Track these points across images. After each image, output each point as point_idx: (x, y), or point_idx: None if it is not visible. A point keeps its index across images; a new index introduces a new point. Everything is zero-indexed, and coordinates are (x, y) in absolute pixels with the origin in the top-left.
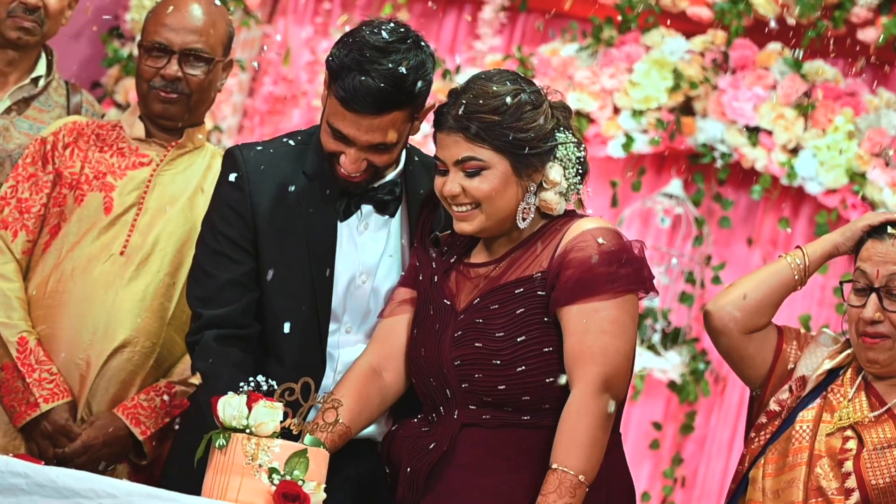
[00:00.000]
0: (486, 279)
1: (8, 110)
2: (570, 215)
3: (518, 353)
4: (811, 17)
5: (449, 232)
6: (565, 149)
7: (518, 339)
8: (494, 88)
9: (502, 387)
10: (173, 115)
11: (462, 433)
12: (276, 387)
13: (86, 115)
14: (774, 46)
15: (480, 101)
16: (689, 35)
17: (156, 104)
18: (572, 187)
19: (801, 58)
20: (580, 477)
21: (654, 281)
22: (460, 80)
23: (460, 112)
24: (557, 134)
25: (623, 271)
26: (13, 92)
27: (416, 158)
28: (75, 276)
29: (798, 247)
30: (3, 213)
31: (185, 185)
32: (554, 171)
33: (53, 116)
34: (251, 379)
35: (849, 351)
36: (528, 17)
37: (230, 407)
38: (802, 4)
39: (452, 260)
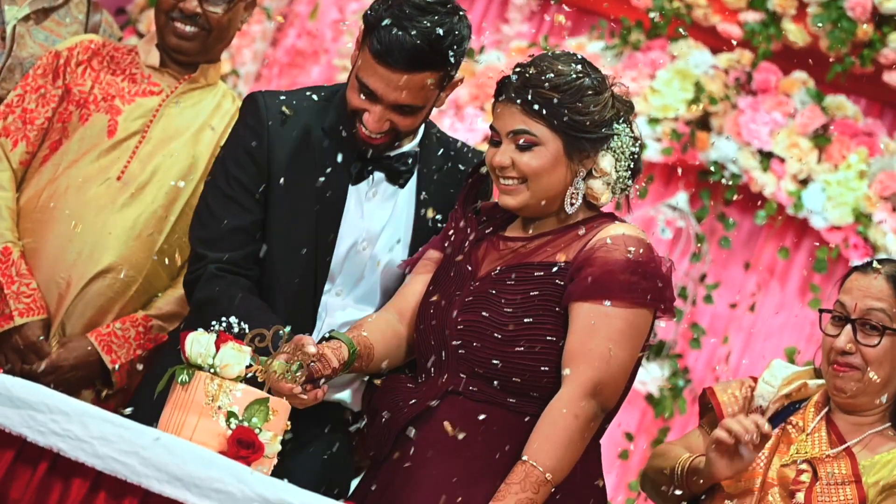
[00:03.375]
0: (512, 253)
1: (26, 18)
2: (610, 217)
3: (521, 333)
4: (840, 51)
5: (493, 203)
6: (621, 140)
7: (524, 320)
8: (560, 67)
9: (496, 361)
10: (188, 50)
11: (446, 399)
12: (247, 330)
13: (103, 36)
14: (799, 75)
15: (543, 77)
16: (716, 50)
17: (172, 37)
18: (621, 181)
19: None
20: (547, 475)
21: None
22: (483, 60)
23: (522, 85)
24: (615, 125)
25: (644, 284)
26: (33, 0)
27: (434, 133)
28: (69, 194)
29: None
30: (7, 121)
31: (192, 119)
32: (605, 161)
33: (70, 31)
34: (224, 319)
35: (806, 381)
36: (558, 9)
37: (198, 343)
38: (833, 38)
39: (488, 231)
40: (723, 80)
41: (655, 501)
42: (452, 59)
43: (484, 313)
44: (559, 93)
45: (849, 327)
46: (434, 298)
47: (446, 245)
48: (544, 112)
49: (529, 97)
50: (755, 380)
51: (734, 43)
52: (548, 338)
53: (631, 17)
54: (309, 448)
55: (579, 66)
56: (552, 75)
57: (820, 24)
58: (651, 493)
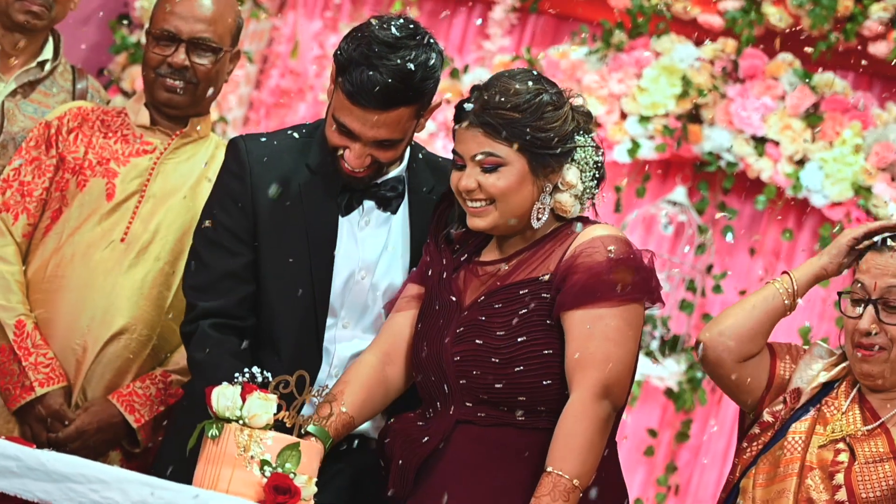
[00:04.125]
0: (493, 277)
1: (13, 93)
2: (582, 221)
3: (517, 353)
4: (822, 29)
5: (463, 230)
6: (584, 152)
7: (518, 340)
8: (516, 86)
9: (499, 385)
10: (178, 103)
11: (456, 430)
12: (271, 379)
13: (91, 101)
14: (785, 57)
15: (502, 98)
16: (699, 42)
17: (161, 92)
18: (588, 191)
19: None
20: (574, 481)
21: (662, 292)
22: (468, 79)
23: (481, 108)
24: (577, 137)
25: (630, 279)
26: (19, 75)
27: (421, 156)
28: (75, 261)
29: (785, 272)
30: (5, 196)
31: (188, 174)
32: (571, 173)
33: (58, 101)
34: (246, 370)
35: (844, 364)
36: (538, 19)
37: (224, 397)
38: (814, 16)
39: (463, 258)
40: (709, 71)
41: (720, 358)
42: (427, 90)
43: (478, 341)
44: (519, 112)
45: (870, 308)
46: (424, 334)
47: (425, 278)
48: (506, 133)
49: (490, 120)
50: (806, 347)
51: (717, 33)
52: (544, 352)
53: (611, 19)
54: (336, 482)
55: (536, 83)
56: (510, 95)
57: (800, 4)
58: (734, 337)
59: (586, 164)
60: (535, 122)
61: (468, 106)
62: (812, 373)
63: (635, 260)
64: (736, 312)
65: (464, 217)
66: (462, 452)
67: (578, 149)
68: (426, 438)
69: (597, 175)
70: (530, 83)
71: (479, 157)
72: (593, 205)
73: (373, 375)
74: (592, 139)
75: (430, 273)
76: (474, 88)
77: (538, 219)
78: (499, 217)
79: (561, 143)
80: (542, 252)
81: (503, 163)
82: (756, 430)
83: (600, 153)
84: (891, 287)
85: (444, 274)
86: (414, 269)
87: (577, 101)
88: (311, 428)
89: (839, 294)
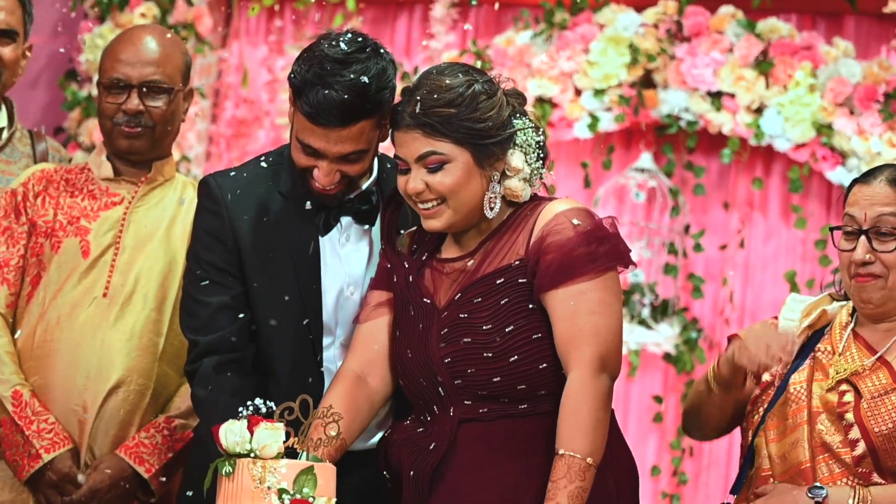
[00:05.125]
0: (463, 273)
1: None
2: (537, 199)
3: (508, 344)
4: None
5: (415, 229)
6: (524, 134)
7: (507, 330)
8: (447, 81)
9: (497, 379)
10: (139, 149)
11: (460, 430)
12: (274, 407)
13: (53, 162)
14: (727, 9)
15: (435, 96)
16: (640, 8)
17: (121, 140)
18: (535, 172)
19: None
20: (588, 459)
21: (632, 254)
22: None
23: (416, 109)
24: (514, 120)
25: (602, 249)
26: None
27: (389, 165)
28: (61, 323)
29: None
30: None
31: (160, 219)
32: (515, 158)
33: (21, 167)
34: (249, 403)
35: (825, 309)
36: (479, 11)
37: (232, 433)
38: None
39: (424, 257)
40: (654, 35)
41: (701, 434)
42: (384, 99)
43: (465, 339)
44: (454, 107)
45: (863, 238)
46: (406, 341)
47: (391, 284)
48: (445, 129)
49: (427, 119)
50: (776, 318)
51: None
52: (534, 336)
53: None
54: (349, 497)
55: (466, 75)
56: (443, 91)
57: None
58: (695, 428)
59: (528, 146)
60: (471, 114)
61: (403, 108)
62: (793, 323)
63: (601, 229)
64: (688, 413)
65: (418, 217)
66: (470, 451)
67: (518, 132)
68: (433, 445)
69: (541, 155)
70: (460, 75)
71: (422, 158)
72: (543, 184)
73: (355, 392)
74: (530, 119)
75: (395, 279)
76: (405, 90)
77: (491, 208)
78: (453, 214)
79: (500, 129)
80: (506, 239)
81: (447, 160)
82: (757, 391)
83: (541, 132)
84: (880, 215)
85: (410, 277)
86: (371, 277)
87: (508, 86)
88: (308, 458)
89: (831, 230)
